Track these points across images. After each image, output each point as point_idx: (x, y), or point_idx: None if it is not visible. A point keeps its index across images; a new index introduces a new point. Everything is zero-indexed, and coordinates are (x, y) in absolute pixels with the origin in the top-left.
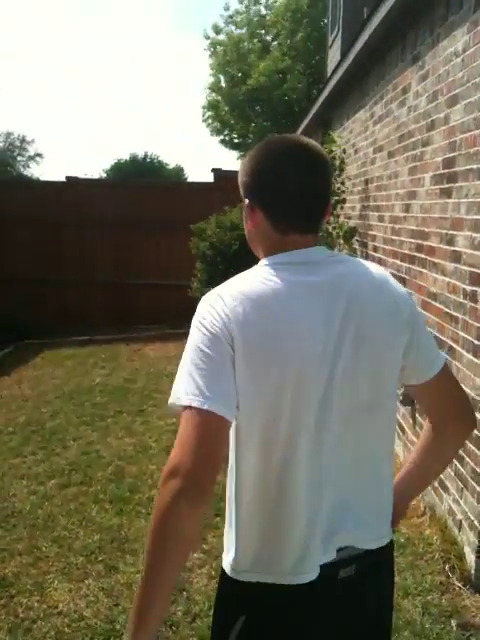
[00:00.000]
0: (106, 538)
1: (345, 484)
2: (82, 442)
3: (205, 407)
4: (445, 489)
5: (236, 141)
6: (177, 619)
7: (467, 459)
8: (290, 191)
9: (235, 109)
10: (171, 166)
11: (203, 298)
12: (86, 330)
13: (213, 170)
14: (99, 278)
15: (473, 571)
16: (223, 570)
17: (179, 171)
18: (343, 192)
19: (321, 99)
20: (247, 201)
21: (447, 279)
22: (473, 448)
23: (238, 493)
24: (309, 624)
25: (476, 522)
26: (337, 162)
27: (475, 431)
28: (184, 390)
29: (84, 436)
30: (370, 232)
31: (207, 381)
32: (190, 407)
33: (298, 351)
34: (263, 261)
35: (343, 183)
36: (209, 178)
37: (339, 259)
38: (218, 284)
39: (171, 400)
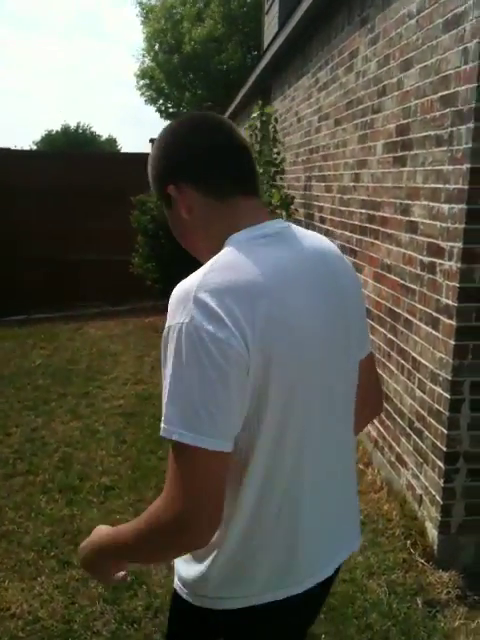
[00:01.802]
0: (57, 531)
1: (340, 487)
2: (26, 428)
3: (218, 449)
4: (403, 464)
5: (171, 110)
6: (138, 615)
7: (426, 433)
8: (219, 145)
9: (170, 78)
10: (104, 137)
11: (183, 295)
12: (22, 308)
13: (151, 140)
14: (34, 253)
15: (436, 547)
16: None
17: (112, 142)
18: (282, 162)
19: (260, 67)
20: (171, 186)
21: (402, 250)
22: (432, 422)
23: (238, 512)
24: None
25: (437, 497)
26: (271, 132)
27: (435, 404)
28: (184, 421)
29: (27, 422)
30: (316, 203)
31: (215, 412)
32: (194, 446)
33: (307, 339)
34: (236, 237)
35: (279, 153)
36: (144, 148)
37: (304, 231)
38: (160, 259)
39: (166, 429)
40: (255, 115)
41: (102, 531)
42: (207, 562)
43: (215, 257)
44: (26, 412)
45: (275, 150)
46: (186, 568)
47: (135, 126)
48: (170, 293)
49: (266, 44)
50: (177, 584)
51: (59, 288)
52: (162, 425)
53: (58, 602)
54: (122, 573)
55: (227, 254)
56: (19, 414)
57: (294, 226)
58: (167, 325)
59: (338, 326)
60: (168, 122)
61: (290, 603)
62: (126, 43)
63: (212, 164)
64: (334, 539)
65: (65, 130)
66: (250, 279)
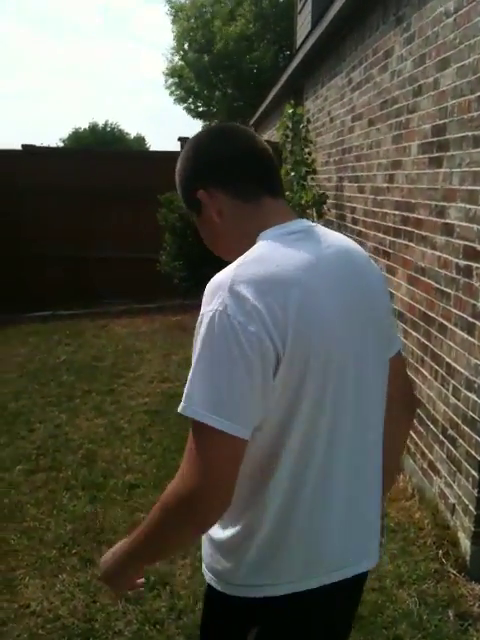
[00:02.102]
0: (80, 528)
1: (368, 486)
2: (49, 424)
3: (237, 434)
4: (436, 472)
5: (200, 109)
6: (161, 616)
7: (460, 441)
8: (243, 150)
9: (200, 77)
10: (132, 136)
11: (217, 286)
12: (47, 305)
13: (180, 139)
14: (62, 251)
15: (468, 558)
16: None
17: (140, 140)
18: (313, 162)
19: (292, 66)
20: (202, 191)
21: (437, 253)
22: (467, 430)
23: (270, 500)
24: (317, 629)
25: (471, 507)
26: (302, 131)
27: (469, 412)
28: (207, 403)
29: (51, 418)
30: (348, 204)
31: (239, 399)
32: (213, 428)
33: (337, 331)
34: (266, 234)
35: (311, 153)
36: (171, 147)
37: (329, 231)
38: (188, 257)
39: (187, 407)
40: (287, 114)
41: (121, 541)
42: (240, 551)
43: (248, 251)
44: (50, 408)
45: (306, 150)
46: (219, 559)
47: (162, 126)
48: (197, 292)
49: (299, 43)
50: (209, 576)
51: (85, 286)
52: (183, 403)
53: (79, 600)
54: (140, 580)
55: (259, 248)
56: (43, 410)
57: (319, 226)
58: (201, 313)
59: (367, 321)
60: (197, 121)
61: (323, 594)
62: (155, 43)
63: (239, 167)
64: (362, 535)
65: (93, 128)
66: (282, 270)
